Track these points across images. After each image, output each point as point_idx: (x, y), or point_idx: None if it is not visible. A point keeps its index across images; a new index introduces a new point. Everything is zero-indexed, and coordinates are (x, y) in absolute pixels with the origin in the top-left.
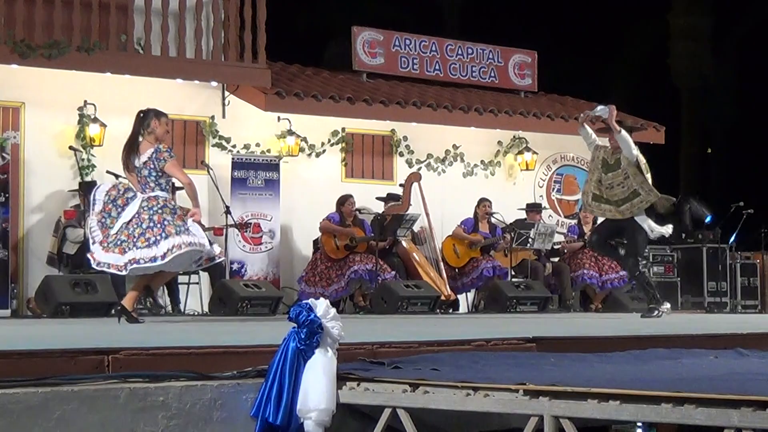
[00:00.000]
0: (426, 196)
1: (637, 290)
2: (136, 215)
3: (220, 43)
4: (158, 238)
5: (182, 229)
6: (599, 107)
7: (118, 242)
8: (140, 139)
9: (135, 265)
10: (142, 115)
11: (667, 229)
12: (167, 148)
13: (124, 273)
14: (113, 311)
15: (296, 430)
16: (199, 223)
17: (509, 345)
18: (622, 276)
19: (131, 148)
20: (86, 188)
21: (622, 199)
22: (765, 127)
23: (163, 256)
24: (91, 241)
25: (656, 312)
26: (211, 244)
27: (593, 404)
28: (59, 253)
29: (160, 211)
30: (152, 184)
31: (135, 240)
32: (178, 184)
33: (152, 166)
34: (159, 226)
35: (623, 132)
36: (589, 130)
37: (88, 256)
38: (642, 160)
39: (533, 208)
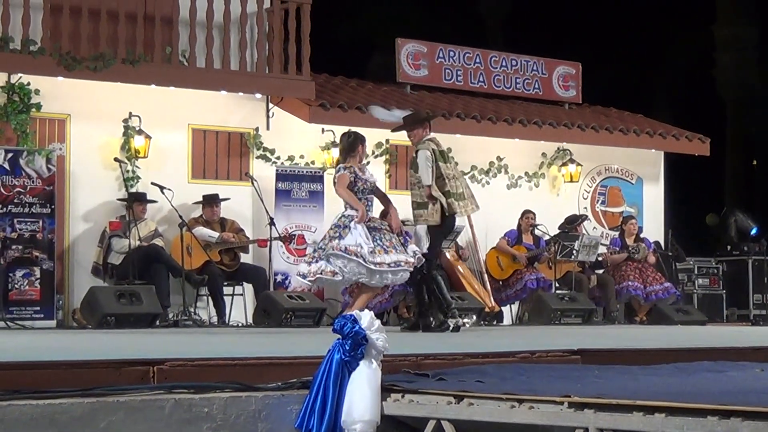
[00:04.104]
0: None
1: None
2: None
3: (265, 55)
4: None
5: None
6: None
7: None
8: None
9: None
10: (350, 138)
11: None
12: (346, 166)
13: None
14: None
15: None
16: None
17: (554, 357)
18: (666, 288)
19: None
20: (131, 199)
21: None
22: None
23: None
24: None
25: (447, 325)
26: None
27: (639, 417)
28: (104, 263)
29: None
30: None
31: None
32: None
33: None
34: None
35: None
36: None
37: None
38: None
39: (573, 221)
